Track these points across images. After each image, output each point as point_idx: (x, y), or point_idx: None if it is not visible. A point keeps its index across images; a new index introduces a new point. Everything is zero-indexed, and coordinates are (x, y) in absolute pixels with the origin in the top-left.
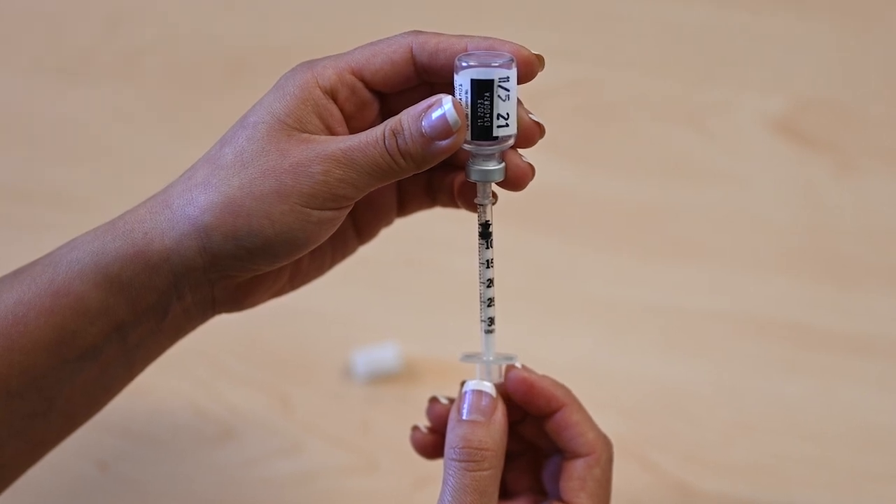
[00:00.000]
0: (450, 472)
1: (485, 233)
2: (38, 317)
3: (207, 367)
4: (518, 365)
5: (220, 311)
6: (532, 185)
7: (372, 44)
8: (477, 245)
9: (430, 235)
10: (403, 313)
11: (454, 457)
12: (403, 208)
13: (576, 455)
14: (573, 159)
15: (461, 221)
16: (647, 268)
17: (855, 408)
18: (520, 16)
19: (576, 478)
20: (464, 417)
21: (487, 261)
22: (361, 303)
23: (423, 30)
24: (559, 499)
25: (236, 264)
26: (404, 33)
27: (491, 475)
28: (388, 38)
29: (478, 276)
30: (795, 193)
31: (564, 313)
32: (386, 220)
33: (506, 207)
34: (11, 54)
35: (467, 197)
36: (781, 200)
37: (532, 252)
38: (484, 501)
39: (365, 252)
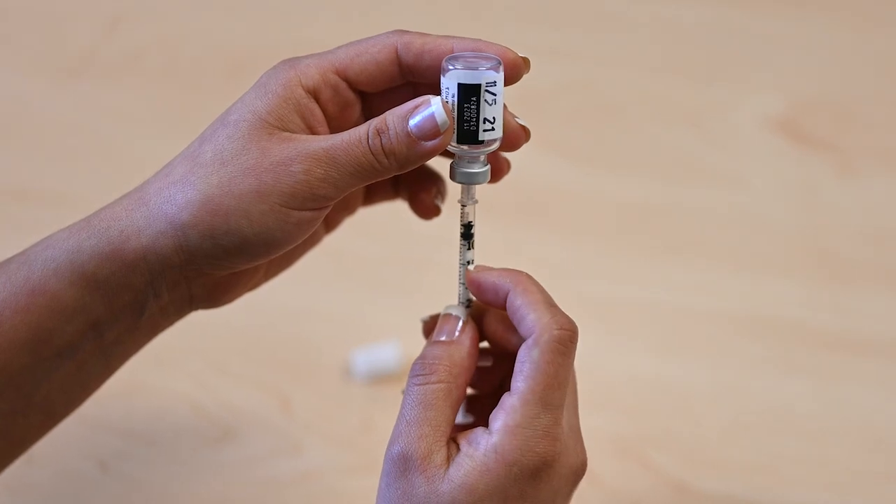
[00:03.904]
0: (406, 393)
1: (467, 234)
2: (14, 315)
3: (207, 367)
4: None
5: (197, 308)
6: (532, 185)
7: (356, 43)
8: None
9: (430, 235)
10: (403, 313)
11: (410, 375)
12: (368, 199)
13: (526, 340)
14: (573, 159)
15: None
16: (647, 267)
17: (855, 408)
18: (520, 16)
19: (517, 362)
20: (433, 339)
21: (468, 262)
22: (361, 303)
23: (407, 29)
24: None
25: (213, 262)
26: (388, 33)
27: (440, 388)
28: (372, 38)
29: (458, 276)
30: (795, 193)
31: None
32: (351, 211)
33: (505, 207)
34: (11, 54)
35: (420, 209)
36: (781, 200)
37: (532, 251)
38: (429, 415)
39: (365, 252)
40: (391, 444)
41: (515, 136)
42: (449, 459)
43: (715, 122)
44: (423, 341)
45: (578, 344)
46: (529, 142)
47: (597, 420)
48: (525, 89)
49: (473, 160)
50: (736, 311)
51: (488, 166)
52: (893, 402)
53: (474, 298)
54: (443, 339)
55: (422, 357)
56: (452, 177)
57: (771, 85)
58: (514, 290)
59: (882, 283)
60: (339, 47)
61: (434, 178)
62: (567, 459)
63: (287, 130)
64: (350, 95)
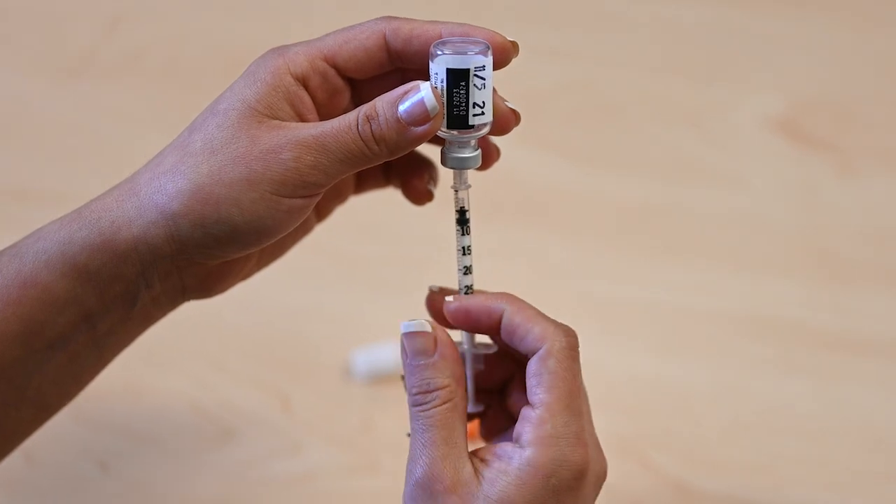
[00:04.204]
0: (413, 420)
1: (461, 219)
2: (6, 308)
3: (208, 367)
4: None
5: (189, 298)
6: (532, 185)
7: (344, 30)
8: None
9: (430, 235)
10: (404, 313)
11: (411, 404)
12: (360, 187)
13: (531, 352)
14: (573, 159)
15: None
16: (647, 267)
17: (855, 408)
18: (520, 16)
19: (532, 375)
20: (412, 363)
21: (464, 247)
22: (361, 303)
23: (394, 16)
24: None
25: (205, 252)
26: (377, 19)
27: (448, 408)
28: (360, 24)
29: (456, 265)
30: (795, 193)
31: (564, 312)
32: (342, 199)
33: (505, 207)
34: (11, 54)
35: (413, 195)
36: (781, 200)
37: (532, 251)
38: (444, 434)
39: (365, 252)
40: (412, 468)
41: (505, 120)
42: (477, 474)
43: (715, 122)
44: None
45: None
46: (529, 142)
47: (597, 420)
48: (525, 89)
49: (464, 145)
50: (736, 311)
51: (479, 151)
52: (893, 402)
53: (473, 287)
54: (419, 361)
55: (415, 386)
56: (444, 162)
57: (771, 85)
58: (509, 309)
59: (882, 283)
60: (327, 34)
61: (425, 164)
62: (594, 466)
63: (276, 118)
64: (339, 82)
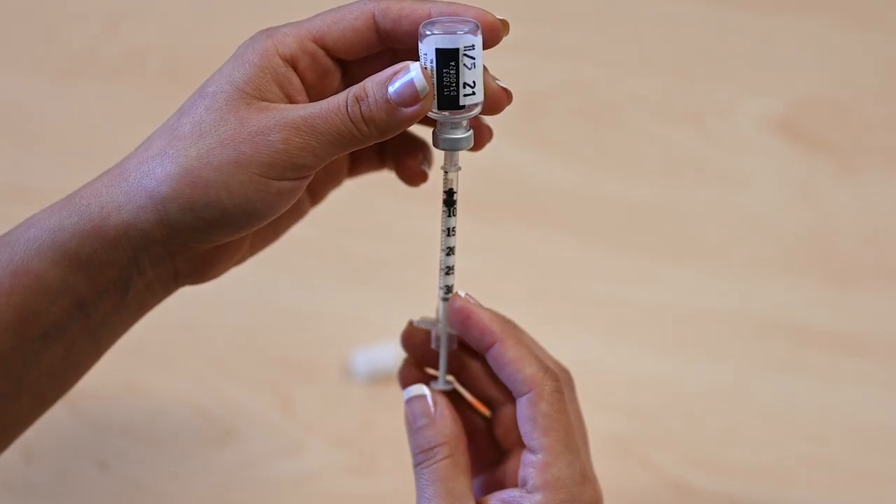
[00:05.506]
0: (417, 481)
1: (449, 200)
2: None
3: (208, 367)
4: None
5: (183, 284)
6: (532, 185)
7: (333, 10)
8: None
9: (430, 235)
10: (403, 313)
11: (414, 464)
12: (354, 170)
13: (519, 394)
14: (573, 159)
15: (463, 221)
16: (648, 268)
17: (855, 408)
18: (520, 16)
19: (526, 419)
20: (413, 426)
21: (449, 228)
22: (361, 303)
23: None
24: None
25: (195, 236)
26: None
27: (448, 462)
28: (349, 5)
29: (439, 244)
30: (795, 193)
31: (564, 313)
32: (336, 183)
33: (505, 207)
34: (11, 54)
35: (406, 175)
36: (781, 200)
37: (532, 252)
38: (449, 486)
39: (365, 252)
40: None
41: (497, 99)
42: None
43: (715, 122)
44: None
45: (578, 343)
46: (529, 142)
47: (597, 420)
48: (525, 89)
49: (456, 126)
50: (736, 311)
51: (471, 131)
52: (893, 402)
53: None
54: (421, 422)
55: (417, 447)
56: (435, 144)
57: (771, 85)
58: (504, 342)
59: (882, 283)
60: (316, 15)
61: (419, 145)
62: (600, 499)
63: (265, 100)
64: (328, 63)
